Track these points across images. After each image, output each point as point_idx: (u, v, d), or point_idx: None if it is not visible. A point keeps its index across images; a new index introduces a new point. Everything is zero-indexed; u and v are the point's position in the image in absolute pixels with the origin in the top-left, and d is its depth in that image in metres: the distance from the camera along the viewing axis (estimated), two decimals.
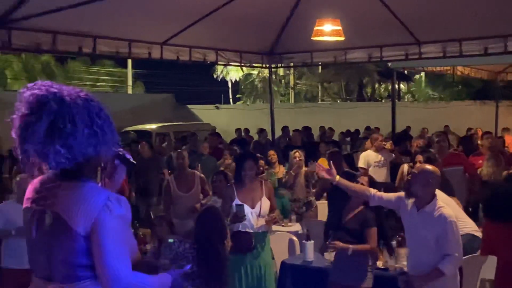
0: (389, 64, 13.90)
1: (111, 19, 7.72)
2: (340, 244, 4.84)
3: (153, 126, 18.17)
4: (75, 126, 2.15)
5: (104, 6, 6.99)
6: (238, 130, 17.23)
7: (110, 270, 2.15)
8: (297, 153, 8.11)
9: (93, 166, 2.30)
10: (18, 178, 5.21)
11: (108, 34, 8.17)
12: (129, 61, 30.61)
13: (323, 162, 9.38)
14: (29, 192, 2.34)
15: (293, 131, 13.83)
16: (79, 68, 35.74)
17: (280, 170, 8.37)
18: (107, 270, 2.15)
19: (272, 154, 8.59)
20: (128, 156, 2.49)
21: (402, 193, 4.52)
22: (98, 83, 35.51)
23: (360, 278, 4.86)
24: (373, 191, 4.64)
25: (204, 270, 4.31)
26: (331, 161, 5.34)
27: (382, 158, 8.55)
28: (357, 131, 16.63)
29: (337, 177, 4.59)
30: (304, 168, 8.08)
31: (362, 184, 5.03)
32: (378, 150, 8.60)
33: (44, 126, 2.13)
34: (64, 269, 2.21)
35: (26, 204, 2.33)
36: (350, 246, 4.82)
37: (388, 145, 8.78)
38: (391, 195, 4.62)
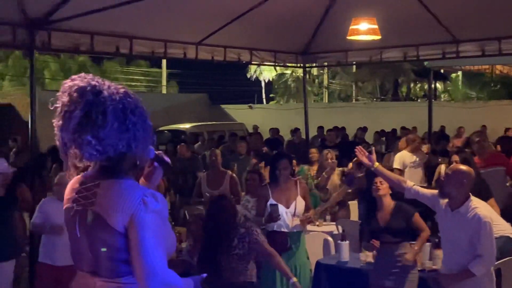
0: (425, 63, 13.71)
1: (147, 19, 7.81)
2: (411, 256, 4.76)
3: (187, 125, 18.33)
4: (105, 118, 2.18)
5: (141, 7, 7.06)
6: (271, 130, 17.25)
7: (146, 264, 2.16)
8: (329, 154, 8.05)
9: (130, 164, 2.31)
10: (57, 177, 5.32)
11: (144, 35, 8.27)
12: (164, 61, 30.90)
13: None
14: (68, 192, 2.38)
15: (328, 130, 13.76)
16: (115, 68, 36.26)
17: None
18: (143, 264, 2.17)
19: (314, 153, 8.58)
20: (166, 159, 2.50)
21: (435, 193, 4.47)
22: (133, 83, 35.96)
23: (405, 280, 4.80)
24: (410, 183, 4.59)
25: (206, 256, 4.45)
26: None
27: (417, 159, 8.47)
28: (393, 131, 16.44)
29: (376, 163, 4.57)
30: (337, 170, 8.02)
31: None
32: (414, 151, 8.51)
33: (78, 115, 2.18)
34: (109, 265, 2.25)
35: (66, 204, 2.37)
36: (415, 248, 4.80)
37: (425, 148, 8.66)
38: (427, 191, 4.58)
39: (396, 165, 8.49)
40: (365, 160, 4.58)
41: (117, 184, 2.24)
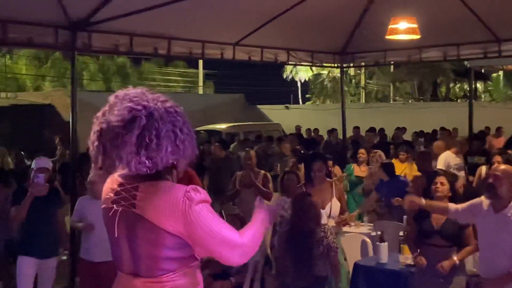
0: (466, 62, 13.45)
1: (185, 21, 7.87)
2: (447, 265, 4.67)
3: (223, 126, 18.40)
4: (160, 142, 2.21)
5: (179, 8, 7.12)
6: (308, 130, 17.18)
7: (222, 244, 2.21)
8: (375, 157, 7.93)
9: (169, 169, 2.34)
10: (90, 175, 5.39)
11: (182, 36, 8.33)
12: (200, 62, 31.13)
13: (395, 164, 9.23)
14: (106, 192, 2.40)
15: (366, 131, 13.62)
16: (153, 69, 36.73)
17: (367, 171, 8.34)
18: (219, 246, 2.21)
19: (362, 153, 8.53)
20: None
21: (473, 201, 4.49)
22: (170, 84, 36.37)
23: (451, 285, 4.72)
24: (452, 206, 4.58)
25: (291, 247, 4.70)
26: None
27: (461, 161, 8.36)
28: (434, 131, 16.19)
29: (423, 201, 4.57)
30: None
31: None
32: (458, 153, 8.38)
33: (133, 138, 2.20)
34: (150, 264, 2.27)
35: (105, 204, 2.38)
36: (455, 258, 4.70)
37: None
38: (465, 205, 4.55)
39: (440, 165, 8.36)
40: (415, 206, 4.59)
41: (156, 187, 2.26)
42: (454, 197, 4.92)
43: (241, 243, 2.25)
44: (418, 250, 4.94)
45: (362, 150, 8.71)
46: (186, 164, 2.42)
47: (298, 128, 18.23)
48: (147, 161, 2.20)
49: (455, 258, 4.70)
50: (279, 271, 4.98)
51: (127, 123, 2.21)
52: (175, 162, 2.32)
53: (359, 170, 8.48)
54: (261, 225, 2.41)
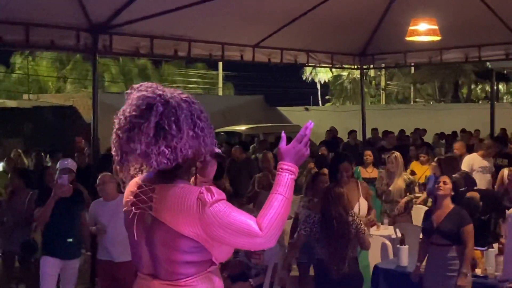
0: (488, 64, 13.32)
1: (205, 23, 7.92)
2: (463, 281, 4.64)
3: (242, 127, 18.40)
4: (180, 128, 2.18)
5: (199, 10, 7.17)
6: (329, 131, 16.93)
7: (244, 234, 2.14)
8: (391, 158, 7.85)
9: (188, 167, 2.32)
10: (99, 177, 5.42)
11: (202, 38, 8.39)
12: (220, 63, 31.21)
13: (415, 166, 9.15)
14: (127, 195, 2.40)
15: (387, 134, 13.49)
16: (173, 71, 36.90)
17: (374, 172, 8.26)
18: (241, 237, 2.15)
19: (368, 155, 8.45)
20: (218, 151, 2.51)
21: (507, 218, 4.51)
22: (190, 85, 36.48)
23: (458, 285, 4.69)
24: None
25: (326, 233, 4.81)
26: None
27: (488, 165, 8.21)
28: (454, 133, 16.02)
29: None
30: (404, 174, 7.83)
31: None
32: (485, 156, 8.25)
33: (151, 127, 2.17)
34: (168, 267, 2.27)
35: (126, 206, 2.39)
36: (465, 271, 4.65)
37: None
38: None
39: (463, 167, 8.24)
40: None
41: (171, 189, 2.24)
42: (457, 197, 4.88)
43: (259, 233, 2.14)
44: (427, 256, 4.93)
45: (368, 152, 8.58)
46: (213, 169, 2.40)
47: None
48: (167, 150, 2.16)
49: (465, 271, 4.64)
50: (317, 258, 5.01)
51: (143, 112, 2.19)
52: (197, 161, 2.29)
53: (365, 172, 8.35)
54: (282, 200, 2.21)
